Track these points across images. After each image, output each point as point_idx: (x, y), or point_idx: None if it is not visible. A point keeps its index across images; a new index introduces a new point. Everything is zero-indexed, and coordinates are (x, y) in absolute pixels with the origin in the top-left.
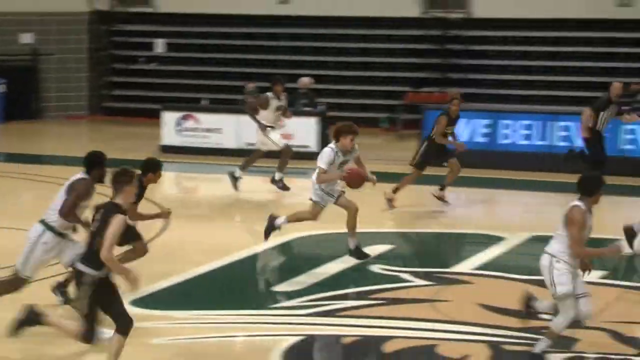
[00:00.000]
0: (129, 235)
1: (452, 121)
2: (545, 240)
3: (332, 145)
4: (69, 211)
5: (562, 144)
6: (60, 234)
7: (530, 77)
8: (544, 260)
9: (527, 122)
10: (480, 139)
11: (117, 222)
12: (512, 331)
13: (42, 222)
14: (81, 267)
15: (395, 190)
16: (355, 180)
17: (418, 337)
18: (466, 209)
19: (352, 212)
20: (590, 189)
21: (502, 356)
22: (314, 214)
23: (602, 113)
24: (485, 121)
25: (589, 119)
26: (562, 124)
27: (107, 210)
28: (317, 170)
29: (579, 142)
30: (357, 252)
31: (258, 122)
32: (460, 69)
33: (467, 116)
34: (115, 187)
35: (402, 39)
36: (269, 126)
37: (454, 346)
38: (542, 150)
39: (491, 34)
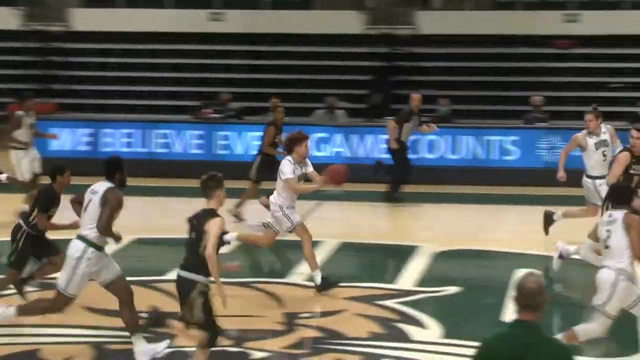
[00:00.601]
0: (47, 249)
1: (279, 129)
2: (150, 242)
3: (288, 157)
4: (107, 226)
5: (161, 150)
6: (101, 249)
7: (131, 88)
8: (608, 274)
9: (127, 130)
10: (83, 148)
11: (216, 223)
12: (116, 331)
13: (82, 238)
14: (192, 276)
15: (238, 205)
16: (337, 177)
17: (20, 342)
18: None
19: (308, 241)
20: (626, 198)
21: (105, 355)
22: (267, 239)
23: (405, 124)
24: (87, 130)
25: (394, 130)
26: (161, 131)
27: (202, 217)
28: (280, 186)
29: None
30: (324, 284)
31: (14, 146)
32: (61, 80)
33: (69, 125)
34: (206, 193)
35: (1, 51)
36: (22, 148)
37: (57, 349)
38: (142, 157)
39: (91, 47)
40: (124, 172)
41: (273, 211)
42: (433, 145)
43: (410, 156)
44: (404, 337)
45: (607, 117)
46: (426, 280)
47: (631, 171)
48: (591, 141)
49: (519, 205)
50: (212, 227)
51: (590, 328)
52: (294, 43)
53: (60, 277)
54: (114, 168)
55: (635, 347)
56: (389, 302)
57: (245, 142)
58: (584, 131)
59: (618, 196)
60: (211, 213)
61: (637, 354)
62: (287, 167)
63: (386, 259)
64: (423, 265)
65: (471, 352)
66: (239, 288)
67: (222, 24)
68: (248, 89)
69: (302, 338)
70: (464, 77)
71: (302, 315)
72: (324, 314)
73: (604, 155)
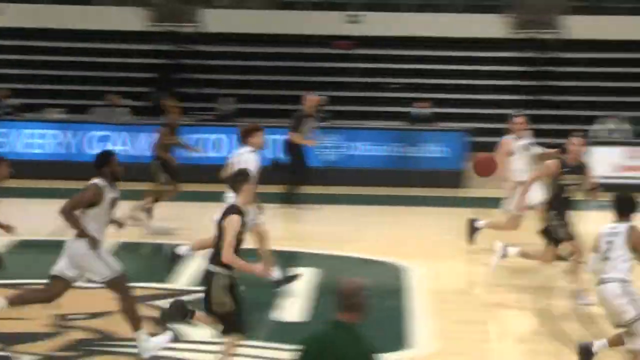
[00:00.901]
0: None
1: (174, 131)
2: None
3: (249, 149)
4: (66, 210)
5: None
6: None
7: None
8: (612, 288)
9: None
10: None
11: (230, 223)
12: None
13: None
14: (213, 268)
15: (137, 208)
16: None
17: None
18: None
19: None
20: (629, 209)
21: None
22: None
23: (301, 127)
24: None
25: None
26: None
27: (225, 212)
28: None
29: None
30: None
31: None
32: None
33: None
34: (234, 187)
35: None
36: None
37: None
38: None
39: None
40: (115, 165)
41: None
42: (218, 144)
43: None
44: (178, 337)
45: (391, 117)
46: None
47: (560, 181)
48: (519, 145)
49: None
50: (227, 229)
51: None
52: (74, 39)
53: (96, 275)
54: (98, 163)
55: (400, 342)
56: (162, 302)
57: (22, 139)
58: (511, 136)
59: (622, 206)
60: (232, 209)
61: (403, 350)
62: (253, 162)
63: (161, 258)
64: (197, 265)
65: (244, 350)
66: (8, 290)
67: None
68: (24, 85)
69: (73, 340)
70: (248, 76)
71: (73, 316)
72: (96, 315)
73: (529, 159)
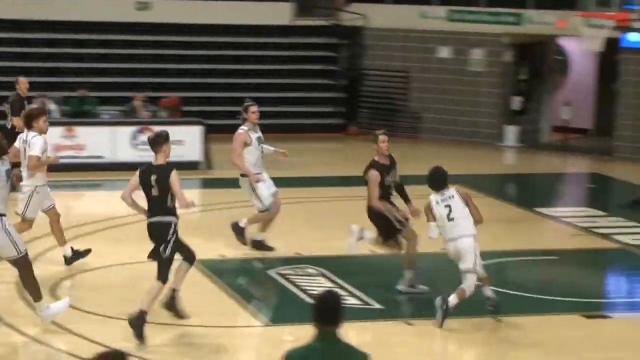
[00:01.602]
0: None
1: None
2: None
3: (35, 132)
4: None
5: None
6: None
7: None
8: (468, 241)
9: None
10: None
11: (175, 175)
12: None
13: None
14: (167, 218)
15: None
16: None
17: None
18: None
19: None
20: (445, 182)
21: None
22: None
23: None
24: None
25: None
26: None
27: (161, 173)
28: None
29: None
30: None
31: None
32: None
33: None
34: (154, 149)
35: None
36: None
37: None
38: None
39: None
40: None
41: (27, 191)
42: None
43: None
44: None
45: None
46: None
47: (386, 183)
48: (254, 136)
49: None
50: (175, 181)
51: (467, 286)
52: None
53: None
54: None
55: None
56: None
57: None
58: (245, 127)
59: (438, 183)
60: (166, 167)
61: None
62: (41, 143)
63: None
64: None
65: None
66: None
67: None
68: None
69: None
70: None
71: None
72: None
73: (262, 152)
